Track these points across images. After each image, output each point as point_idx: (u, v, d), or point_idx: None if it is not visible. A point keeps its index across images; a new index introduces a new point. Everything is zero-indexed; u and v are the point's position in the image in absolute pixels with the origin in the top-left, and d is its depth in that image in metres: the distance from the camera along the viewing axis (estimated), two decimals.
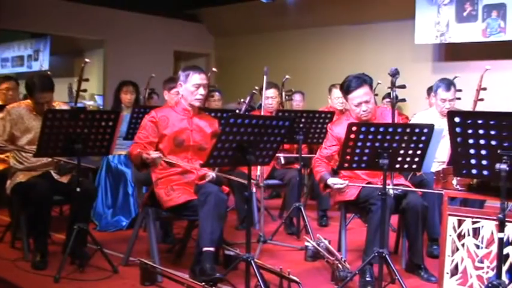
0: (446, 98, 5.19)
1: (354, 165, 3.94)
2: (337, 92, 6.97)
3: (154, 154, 4.18)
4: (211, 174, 4.34)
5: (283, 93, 7.38)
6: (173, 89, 5.39)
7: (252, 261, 3.78)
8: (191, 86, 4.42)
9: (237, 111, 5.63)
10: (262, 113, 5.41)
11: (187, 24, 11.65)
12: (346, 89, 4.50)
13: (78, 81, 6.09)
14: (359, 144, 3.83)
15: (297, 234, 5.64)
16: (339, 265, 4.22)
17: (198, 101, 4.47)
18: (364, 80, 4.47)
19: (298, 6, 9.93)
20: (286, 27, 10.41)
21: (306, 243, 4.87)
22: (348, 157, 3.88)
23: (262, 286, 3.73)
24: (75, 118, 4.26)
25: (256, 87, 5.90)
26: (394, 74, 4.42)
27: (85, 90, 6.22)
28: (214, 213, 4.06)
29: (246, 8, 10.65)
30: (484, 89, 5.91)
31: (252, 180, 4.25)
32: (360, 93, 4.44)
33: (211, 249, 4.04)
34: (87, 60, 6.12)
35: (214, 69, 7.29)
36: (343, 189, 4.43)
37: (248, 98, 5.46)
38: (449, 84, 5.23)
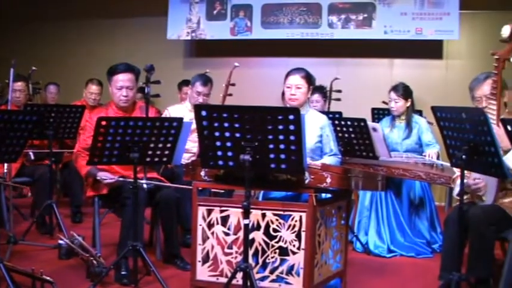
0: (201, 92, 5.43)
1: (105, 160, 3.96)
2: (93, 87, 6.93)
3: None
4: None
5: (31, 86, 7.03)
6: None
7: (1, 265, 3.60)
8: None
9: None
10: (9, 108, 5.17)
11: None
12: (113, 70, 4.54)
13: None
14: (109, 138, 3.84)
15: (50, 232, 5.47)
16: (94, 261, 4.18)
17: None
18: (132, 68, 4.56)
19: None
20: (41, 18, 9.94)
21: (60, 241, 4.75)
22: (98, 152, 3.88)
23: None
24: None
25: (6, 81, 5.63)
26: (150, 69, 4.54)
27: None
28: None
29: None
30: (233, 84, 6.23)
31: None
32: (124, 78, 4.50)
33: None
34: None
35: None
36: (113, 183, 4.43)
37: None
38: (207, 80, 5.50)
